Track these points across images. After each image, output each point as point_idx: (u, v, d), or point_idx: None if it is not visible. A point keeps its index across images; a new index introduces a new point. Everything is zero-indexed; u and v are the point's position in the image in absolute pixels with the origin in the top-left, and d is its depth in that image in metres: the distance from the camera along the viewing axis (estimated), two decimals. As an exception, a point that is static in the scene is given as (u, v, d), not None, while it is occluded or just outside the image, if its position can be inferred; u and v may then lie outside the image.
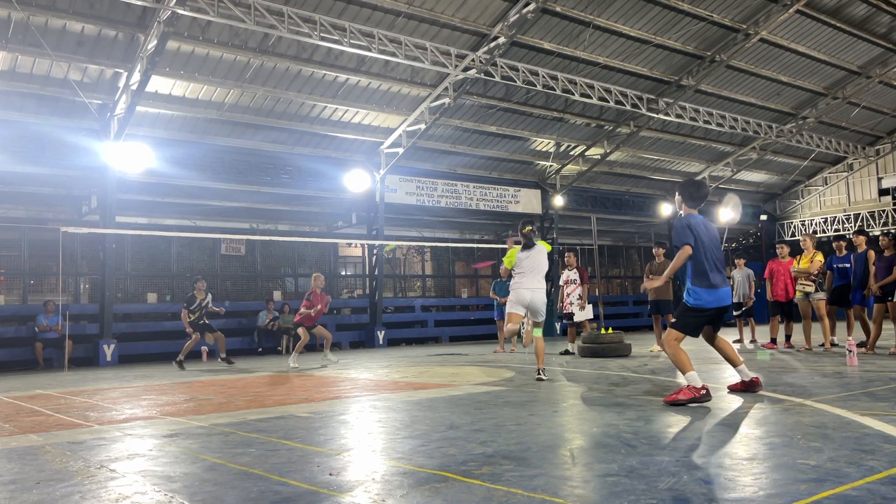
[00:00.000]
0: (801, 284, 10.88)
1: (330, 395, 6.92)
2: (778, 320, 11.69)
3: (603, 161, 21.56)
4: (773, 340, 11.51)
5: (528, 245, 7.92)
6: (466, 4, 14.43)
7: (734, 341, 13.65)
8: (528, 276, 7.76)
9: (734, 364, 5.86)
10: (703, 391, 5.26)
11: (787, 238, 28.63)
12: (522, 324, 8.08)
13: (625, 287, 28.39)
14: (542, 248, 8.00)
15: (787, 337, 11.69)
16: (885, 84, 21.50)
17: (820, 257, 10.84)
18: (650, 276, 11.93)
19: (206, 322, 12.50)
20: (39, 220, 16.71)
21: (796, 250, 11.82)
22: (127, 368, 12.88)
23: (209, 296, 12.58)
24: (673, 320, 5.86)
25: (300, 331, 11.88)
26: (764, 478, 2.95)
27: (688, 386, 5.32)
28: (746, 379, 5.86)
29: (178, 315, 17.25)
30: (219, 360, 12.69)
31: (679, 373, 5.49)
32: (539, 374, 7.61)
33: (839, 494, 2.64)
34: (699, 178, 25.00)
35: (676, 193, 6.07)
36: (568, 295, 12.23)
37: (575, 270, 12.27)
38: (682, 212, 6.03)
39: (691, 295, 5.66)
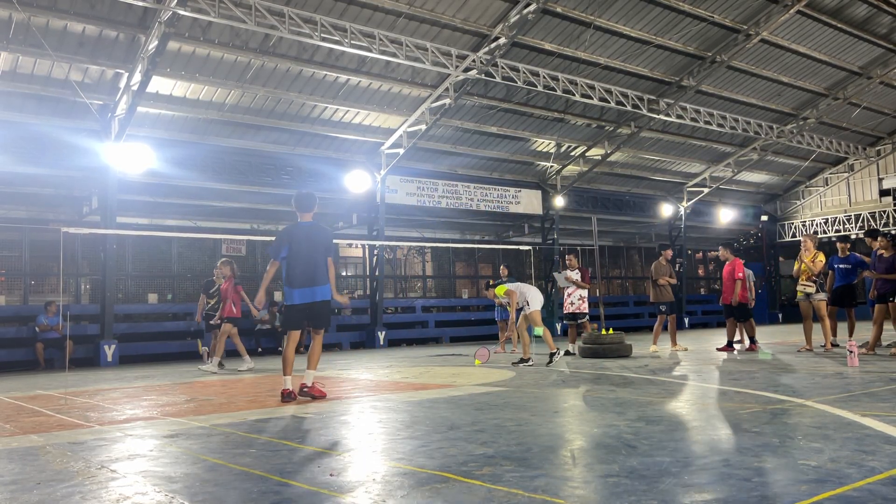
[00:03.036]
0: (802, 285, 10.84)
1: (330, 396, 6.92)
2: (751, 323, 11.57)
3: (604, 162, 21.56)
4: (753, 340, 11.41)
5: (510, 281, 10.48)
6: (467, 5, 14.44)
7: (735, 341, 13.60)
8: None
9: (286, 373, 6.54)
10: (286, 394, 6.42)
11: (788, 239, 28.64)
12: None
13: (625, 288, 28.38)
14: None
15: (730, 343, 11.51)
16: (885, 84, 21.51)
17: (822, 258, 10.81)
18: (654, 278, 11.97)
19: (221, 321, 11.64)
20: (40, 220, 16.72)
21: (795, 251, 11.76)
22: (128, 369, 12.88)
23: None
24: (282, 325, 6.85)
25: (225, 327, 11.02)
26: (765, 478, 2.95)
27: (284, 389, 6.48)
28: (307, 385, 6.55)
29: (179, 315, 17.38)
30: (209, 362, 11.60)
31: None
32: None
33: (840, 495, 2.63)
34: (701, 177, 25.01)
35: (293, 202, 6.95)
36: (569, 295, 12.23)
37: (577, 271, 12.27)
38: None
39: (286, 296, 6.59)
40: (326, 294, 6.58)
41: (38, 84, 13.32)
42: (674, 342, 12.17)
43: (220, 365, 11.12)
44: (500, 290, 10.40)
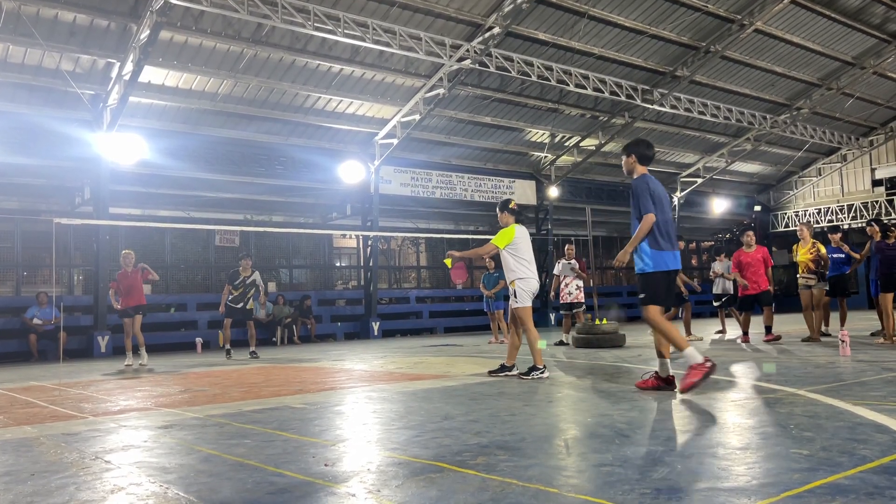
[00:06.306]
0: (804, 277, 10.77)
1: (325, 387, 6.92)
2: (750, 315, 11.37)
3: (598, 152, 21.55)
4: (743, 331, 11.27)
5: (520, 221, 7.09)
6: (461, -6, 14.38)
7: (717, 332, 13.56)
8: (532, 263, 6.92)
9: (662, 356, 5.43)
10: (709, 364, 5.00)
11: (781, 229, 28.72)
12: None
13: (619, 278, 28.45)
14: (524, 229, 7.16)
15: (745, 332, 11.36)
16: (878, 75, 21.54)
17: (821, 247, 10.74)
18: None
19: (249, 308, 11.66)
20: (32, 211, 16.63)
21: (788, 241, 11.71)
22: (121, 360, 12.82)
23: (256, 273, 11.62)
24: (642, 296, 5.40)
25: (125, 321, 10.94)
26: (757, 467, 2.97)
27: (692, 365, 5.06)
28: (664, 375, 5.43)
29: (174, 307, 17.32)
30: (249, 354, 11.73)
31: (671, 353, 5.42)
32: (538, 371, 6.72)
33: (832, 483, 2.65)
34: (695, 167, 25.04)
35: (627, 155, 5.66)
36: (566, 285, 12.23)
37: (574, 261, 12.29)
38: (635, 174, 5.63)
39: (651, 259, 5.36)
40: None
41: (28, 73, 13.21)
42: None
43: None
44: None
